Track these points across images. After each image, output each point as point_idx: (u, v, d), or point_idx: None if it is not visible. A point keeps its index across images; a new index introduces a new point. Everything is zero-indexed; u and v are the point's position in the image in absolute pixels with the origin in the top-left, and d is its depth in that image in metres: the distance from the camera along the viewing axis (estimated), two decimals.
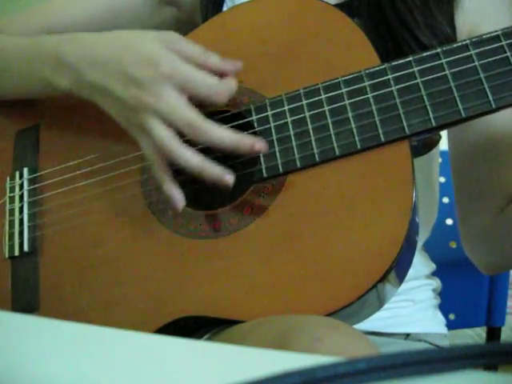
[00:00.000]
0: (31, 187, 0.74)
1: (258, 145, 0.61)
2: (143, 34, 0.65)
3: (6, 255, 0.72)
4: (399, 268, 0.57)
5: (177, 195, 0.62)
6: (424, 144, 0.66)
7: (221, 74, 0.63)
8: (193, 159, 0.60)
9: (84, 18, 0.84)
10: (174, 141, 0.60)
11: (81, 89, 0.67)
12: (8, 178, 0.76)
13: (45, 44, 0.71)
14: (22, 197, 0.74)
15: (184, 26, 0.86)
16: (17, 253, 0.72)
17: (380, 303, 0.60)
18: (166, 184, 0.62)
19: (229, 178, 0.60)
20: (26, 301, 0.70)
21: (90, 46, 0.67)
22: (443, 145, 0.82)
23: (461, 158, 0.79)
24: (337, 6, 0.70)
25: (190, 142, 0.62)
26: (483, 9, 0.75)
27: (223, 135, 0.60)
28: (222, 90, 0.61)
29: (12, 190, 0.75)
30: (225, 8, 0.80)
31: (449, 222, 1.15)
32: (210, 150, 0.64)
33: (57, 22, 0.84)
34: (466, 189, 0.79)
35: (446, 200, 1.12)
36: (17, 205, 0.74)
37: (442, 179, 1.09)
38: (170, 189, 0.62)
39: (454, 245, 1.14)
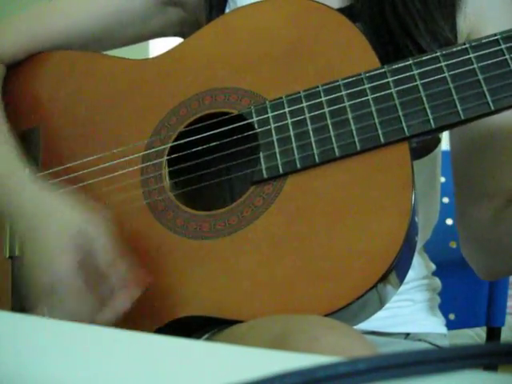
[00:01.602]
0: None
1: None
2: (61, 221, 0.63)
3: (7, 255, 0.73)
4: (399, 268, 0.57)
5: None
6: (424, 146, 0.67)
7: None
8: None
9: (87, 19, 0.84)
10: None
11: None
12: None
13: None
14: None
15: (188, 27, 0.86)
16: (17, 253, 0.72)
17: (381, 304, 0.60)
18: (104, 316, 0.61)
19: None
20: (26, 300, 0.70)
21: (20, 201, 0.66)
22: (443, 145, 0.82)
23: (461, 157, 0.79)
24: (338, 10, 0.70)
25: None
26: (485, 12, 0.75)
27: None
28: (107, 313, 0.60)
29: None
30: (227, 10, 0.80)
31: (449, 222, 1.15)
32: (206, 153, 0.65)
33: (59, 24, 0.84)
34: (466, 189, 0.79)
35: (446, 200, 1.12)
36: None
37: (442, 179, 1.09)
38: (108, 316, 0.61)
39: (454, 245, 1.14)
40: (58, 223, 0.63)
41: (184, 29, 0.87)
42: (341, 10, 0.70)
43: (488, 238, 0.77)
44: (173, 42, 0.87)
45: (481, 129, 0.74)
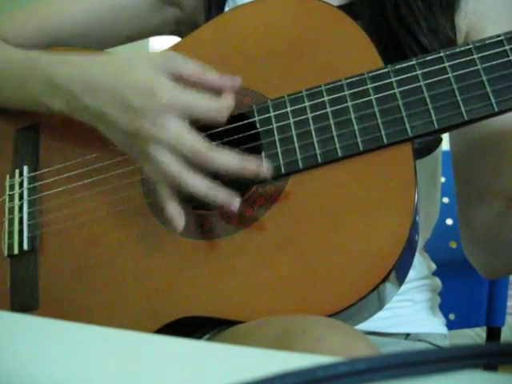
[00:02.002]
0: (31, 185, 0.74)
1: (263, 170, 0.60)
2: (137, 59, 0.64)
3: (5, 253, 0.72)
4: (400, 269, 0.57)
5: (178, 218, 0.62)
6: (425, 146, 0.66)
7: (219, 91, 0.62)
8: (200, 186, 0.60)
9: (84, 17, 0.84)
10: (180, 169, 0.60)
11: (75, 112, 0.67)
12: (8, 176, 0.76)
13: (38, 63, 0.71)
14: (21, 195, 0.74)
15: (185, 26, 0.86)
16: (16, 251, 0.72)
17: (380, 304, 0.60)
18: (169, 206, 0.62)
19: (235, 203, 0.60)
20: (24, 299, 0.70)
21: (83, 69, 0.66)
22: (444, 145, 0.82)
23: (462, 159, 0.79)
24: (338, 7, 0.70)
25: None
26: (485, 11, 0.75)
27: (228, 161, 0.60)
28: (221, 110, 0.61)
29: (12, 188, 0.75)
30: (227, 8, 0.80)
31: (449, 221, 1.15)
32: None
33: (56, 21, 0.84)
34: (467, 189, 0.79)
35: (446, 200, 1.12)
36: (16, 203, 0.74)
37: (442, 179, 1.09)
38: (173, 212, 0.62)
39: (454, 245, 1.14)
40: (138, 58, 0.63)
41: (181, 28, 0.87)
42: (341, 8, 0.70)
43: (490, 237, 0.77)
44: (173, 39, 0.87)
45: (482, 129, 0.74)
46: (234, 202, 0.60)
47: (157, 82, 0.60)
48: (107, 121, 0.63)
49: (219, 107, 0.61)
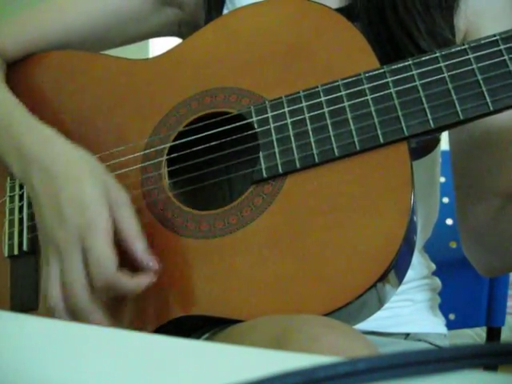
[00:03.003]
0: None
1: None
2: (99, 177, 0.62)
3: (6, 254, 0.73)
4: (398, 268, 0.58)
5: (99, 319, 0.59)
6: (423, 146, 0.67)
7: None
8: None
9: (84, 20, 0.83)
10: (58, 298, 0.59)
11: (23, 183, 0.67)
12: (8, 178, 0.76)
13: (13, 123, 0.69)
14: (22, 196, 0.74)
15: (186, 28, 0.86)
16: (16, 252, 0.72)
17: (380, 303, 0.60)
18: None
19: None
20: (24, 300, 0.70)
21: (51, 155, 0.64)
22: (443, 145, 0.82)
23: (461, 156, 0.79)
24: (336, 10, 0.70)
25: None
26: (484, 11, 0.75)
27: (95, 320, 0.58)
28: (124, 285, 0.59)
29: (12, 189, 0.75)
30: (225, 10, 0.80)
31: (449, 221, 1.15)
32: (206, 152, 0.65)
33: (56, 24, 0.83)
34: (466, 187, 0.79)
35: (446, 200, 1.12)
36: (17, 204, 0.74)
37: (442, 179, 1.09)
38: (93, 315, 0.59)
39: (454, 245, 1.14)
40: (99, 177, 0.62)
41: (182, 29, 0.88)
42: (339, 10, 0.70)
43: (488, 235, 0.77)
44: (173, 41, 0.87)
45: (480, 128, 0.74)
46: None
47: (94, 204, 0.59)
48: (39, 208, 0.63)
49: (118, 279, 0.58)
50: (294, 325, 0.50)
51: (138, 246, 0.60)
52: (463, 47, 0.60)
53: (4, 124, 0.70)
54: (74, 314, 0.59)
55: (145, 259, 0.60)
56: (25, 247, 0.71)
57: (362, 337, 0.49)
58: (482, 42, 0.60)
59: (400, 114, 0.60)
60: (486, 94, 0.58)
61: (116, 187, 0.62)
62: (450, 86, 0.59)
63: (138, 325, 0.62)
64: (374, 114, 0.60)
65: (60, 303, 0.59)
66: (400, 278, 0.60)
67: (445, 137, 0.80)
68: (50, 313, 0.59)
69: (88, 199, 0.60)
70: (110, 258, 0.58)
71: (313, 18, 0.68)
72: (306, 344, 0.46)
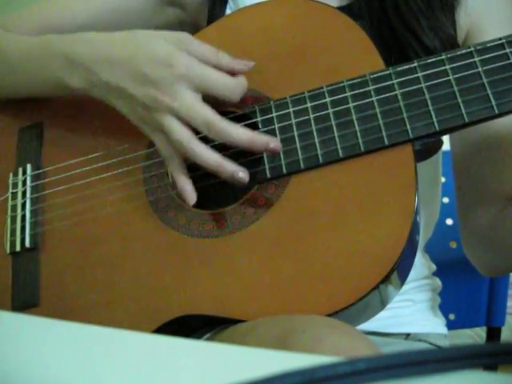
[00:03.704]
0: (34, 184, 0.74)
1: (273, 144, 0.62)
2: (156, 35, 0.65)
3: (8, 251, 0.73)
4: (401, 269, 0.58)
5: (190, 192, 0.63)
6: (426, 148, 0.67)
7: (231, 74, 0.64)
8: (210, 158, 0.61)
9: (85, 17, 0.83)
10: (192, 140, 0.61)
11: (94, 88, 0.67)
12: (11, 174, 0.76)
13: (55, 44, 0.71)
14: (24, 193, 0.74)
15: (187, 27, 0.86)
16: (18, 248, 0.72)
17: (382, 305, 0.60)
18: (181, 181, 0.63)
19: (243, 175, 0.62)
20: (26, 297, 0.70)
21: (103, 46, 0.67)
22: (444, 145, 0.82)
23: (462, 157, 0.79)
24: (337, 8, 0.70)
25: (204, 138, 0.62)
26: (486, 9, 0.75)
27: (239, 133, 0.61)
28: (236, 88, 0.62)
29: (15, 186, 0.75)
30: (228, 10, 0.80)
31: (449, 221, 1.15)
32: (220, 148, 0.65)
33: (57, 21, 0.83)
34: (467, 188, 0.79)
35: (446, 200, 1.12)
36: (19, 201, 0.74)
37: (443, 179, 1.09)
38: (184, 186, 0.63)
39: (454, 245, 1.14)
40: (156, 35, 0.65)
41: (183, 28, 0.87)
42: (340, 9, 0.70)
43: (490, 236, 0.77)
44: None
45: (482, 132, 0.74)
46: (241, 174, 0.62)
47: (174, 55, 0.62)
48: (124, 95, 0.64)
49: (235, 84, 0.62)
50: (298, 325, 0.50)
51: (222, 58, 0.64)
52: (469, 50, 0.60)
53: (44, 49, 0.72)
54: (215, 134, 0.61)
55: (236, 62, 0.64)
56: (27, 244, 0.71)
57: (365, 337, 0.50)
58: (488, 45, 0.60)
59: (405, 116, 0.60)
60: (491, 97, 0.58)
61: (175, 33, 0.65)
62: (455, 88, 0.59)
63: (139, 323, 0.62)
64: (379, 115, 0.60)
65: (193, 138, 0.61)
66: (402, 279, 0.60)
67: (445, 137, 0.80)
68: (189, 151, 0.61)
69: (163, 52, 0.62)
70: (220, 74, 0.62)
71: (317, 18, 0.68)
72: (308, 344, 0.46)
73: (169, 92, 0.61)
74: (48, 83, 0.72)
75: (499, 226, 0.76)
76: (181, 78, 0.61)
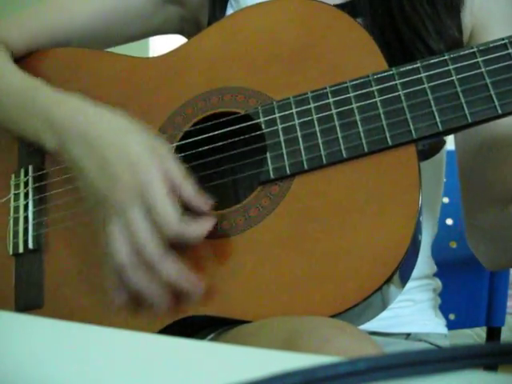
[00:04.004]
0: (36, 185, 0.74)
1: (197, 289, 0.60)
2: (135, 134, 0.63)
3: (11, 252, 0.73)
4: (403, 270, 0.58)
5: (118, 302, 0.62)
6: (430, 148, 0.67)
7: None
8: (140, 284, 0.59)
9: (86, 18, 0.83)
10: (125, 260, 0.59)
11: (63, 156, 0.67)
12: (13, 176, 0.76)
13: (39, 97, 0.70)
14: (27, 194, 0.74)
15: (188, 25, 0.86)
16: (21, 250, 0.72)
17: (383, 305, 0.60)
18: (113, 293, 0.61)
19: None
20: (29, 298, 0.70)
21: (84, 119, 0.65)
22: (448, 145, 0.82)
23: (466, 157, 0.79)
24: (339, 5, 0.70)
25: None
26: (490, 9, 0.76)
27: (174, 268, 0.59)
28: (185, 231, 0.59)
29: (17, 187, 0.75)
30: (229, 7, 0.80)
31: (449, 221, 1.15)
32: (213, 154, 0.65)
33: (58, 23, 0.83)
34: (471, 187, 0.80)
35: (446, 200, 1.12)
36: (22, 202, 0.74)
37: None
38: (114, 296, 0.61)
39: (454, 245, 1.14)
40: (140, 133, 0.62)
41: (184, 26, 0.87)
42: (342, 6, 0.70)
43: (493, 234, 0.78)
44: (174, 39, 0.87)
45: (485, 132, 0.74)
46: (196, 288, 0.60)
47: (144, 161, 0.60)
48: (84, 176, 0.63)
49: (182, 229, 0.59)
50: (305, 326, 0.50)
51: (189, 191, 0.61)
52: (472, 50, 0.60)
53: (28, 100, 0.70)
54: (147, 266, 0.59)
55: (199, 202, 0.61)
56: (30, 245, 0.71)
57: (370, 338, 0.50)
58: (491, 45, 0.60)
59: (408, 116, 0.60)
60: (494, 97, 0.58)
61: (157, 140, 0.63)
62: (458, 89, 0.59)
63: (143, 324, 0.62)
64: (382, 116, 0.61)
65: (131, 257, 0.59)
66: (405, 279, 0.60)
67: (450, 136, 0.80)
68: (120, 271, 0.59)
69: (135, 155, 0.60)
70: (173, 209, 0.59)
71: (320, 18, 0.68)
72: (316, 346, 0.46)
73: (126, 194, 0.59)
74: (25, 133, 0.71)
75: (501, 225, 0.76)
76: (137, 193, 0.59)
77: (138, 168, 0.60)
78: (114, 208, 0.60)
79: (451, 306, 1.07)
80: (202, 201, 0.61)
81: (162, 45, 0.79)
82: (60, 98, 0.69)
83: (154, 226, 0.59)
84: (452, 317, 1.10)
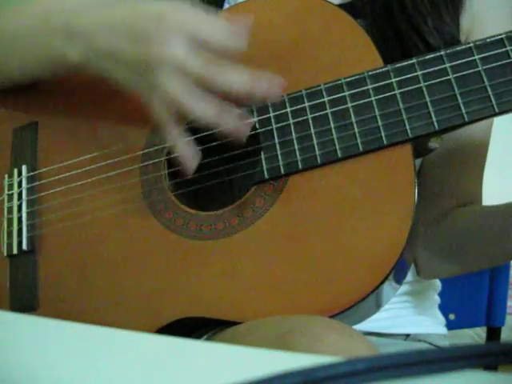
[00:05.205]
0: (30, 185, 0.74)
1: (274, 88, 0.59)
2: None
3: (5, 254, 0.72)
4: (399, 270, 0.57)
5: (191, 158, 0.60)
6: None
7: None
8: (208, 110, 0.58)
9: None
10: (188, 90, 0.58)
11: (91, 61, 0.66)
12: (6, 176, 0.76)
13: (55, 15, 0.70)
14: (20, 195, 0.74)
15: None
16: (15, 251, 0.71)
17: (378, 305, 0.60)
18: (180, 146, 0.60)
19: (246, 126, 0.59)
20: (24, 300, 0.70)
21: (104, 10, 0.65)
22: None
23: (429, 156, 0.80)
24: (339, 5, 0.70)
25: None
26: (487, 11, 0.76)
27: (238, 79, 0.58)
28: (233, 35, 0.58)
29: (10, 187, 0.75)
30: (225, 3, 0.80)
31: None
32: (207, 154, 0.65)
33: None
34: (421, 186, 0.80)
35: None
36: (15, 203, 0.73)
37: None
38: (184, 151, 0.60)
39: None
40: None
41: None
42: (342, 6, 0.70)
43: (429, 236, 0.79)
44: None
45: (454, 137, 0.74)
46: (243, 127, 0.59)
47: (166, 8, 0.60)
48: (117, 59, 0.63)
49: (228, 31, 0.58)
50: (297, 326, 0.50)
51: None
52: (468, 46, 0.60)
53: (42, 20, 0.70)
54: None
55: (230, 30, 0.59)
56: (24, 246, 0.71)
57: (364, 337, 0.50)
58: (488, 41, 0.60)
59: (404, 115, 0.60)
60: (491, 96, 0.58)
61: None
62: (455, 88, 0.59)
63: (138, 325, 0.62)
64: (377, 115, 0.60)
65: (189, 88, 0.58)
66: (400, 279, 0.60)
67: None
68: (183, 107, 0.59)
69: (156, 9, 0.60)
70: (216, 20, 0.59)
71: (315, 15, 0.68)
72: (308, 344, 0.46)
73: (162, 45, 0.59)
74: (44, 58, 0.71)
75: (439, 227, 0.78)
76: (173, 29, 0.58)
77: (162, 17, 0.59)
78: (156, 56, 0.59)
79: (451, 306, 1.07)
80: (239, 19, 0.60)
81: None
82: (79, 9, 0.68)
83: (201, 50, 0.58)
84: (452, 317, 1.10)
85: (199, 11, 0.60)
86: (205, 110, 0.58)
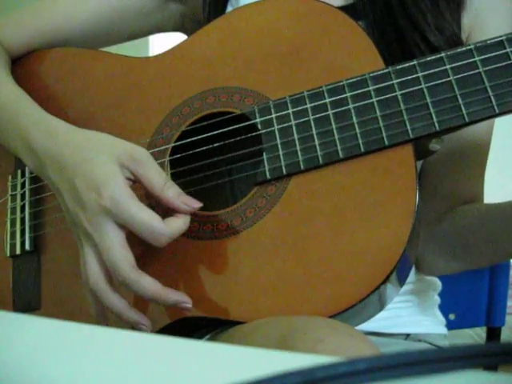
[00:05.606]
0: (33, 186, 0.74)
1: (185, 304, 0.59)
2: (107, 149, 0.61)
3: (8, 254, 0.73)
4: (401, 270, 0.58)
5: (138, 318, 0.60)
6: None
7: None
8: (114, 305, 0.59)
9: (87, 15, 0.83)
10: (98, 279, 0.59)
11: (41, 176, 0.67)
12: (10, 177, 0.76)
13: (20, 116, 0.69)
14: (23, 195, 0.74)
15: (189, 22, 0.86)
16: (18, 251, 0.72)
17: (381, 305, 0.60)
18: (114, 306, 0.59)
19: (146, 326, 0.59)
20: (27, 300, 0.70)
21: (58, 143, 0.64)
22: None
23: (432, 161, 0.80)
24: (341, 8, 0.70)
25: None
26: (488, 11, 0.76)
27: (145, 289, 0.57)
28: (161, 236, 0.57)
29: (14, 188, 0.75)
30: (228, 5, 0.80)
31: None
32: (210, 154, 0.65)
33: (56, 22, 0.83)
34: (423, 186, 0.80)
35: None
36: (18, 203, 0.74)
37: None
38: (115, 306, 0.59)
39: None
40: (107, 149, 0.61)
41: (185, 23, 0.87)
42: (343, 8, 0.70)
43: (431, 234, 0.79)
44: (173, 37, 0.87)
45: (456, 139, 0.75)
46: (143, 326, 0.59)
47: (106, 182, 0.58)
48: (61, 197, 0.63)
49: (160, 232, 0.57)
50: (298, 326, 0.50)
51: (167, 193, 0.59)
52: (469, 47, 0.60)
53: (12, 118, 0.70)
54: (121, 287, 0.58)
55: (181, 199, 0.59)
56: (27, 246, 0.71)
57: (366, 338, 0.50)
58: (488, 42, 0.60)
59: (405, 116, 0.60)
60: (491, 97, 0.58)
61: (126, 150, 0.60)
62: (456, 89, 0.59)
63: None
64: (378, 116, 0.60)
65: (102, 281, 0.59)
66: (403, 279, 0.60)
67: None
68: (94, 295, 0.59)
69: (101, 179, 0.58)
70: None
71: (317, 17, 0.68)
72: (310, 345, 0.46)
73: (93, 222, 0.58)
74: (9, 147, 0.71)
75: (439, 226, 0.79)
76: (105, 211, 0.57)
77: (101, 190, 0.58)
78: (87, 233, 0.59)
79: (451, 305, 1.07)
80: (188, 200, 0.60)
81: (162, 43, 0.79)
82: (38, 118, 0.68)
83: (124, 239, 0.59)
84: (452, 317, 1.10)
85: (150, 178, 0.59)
86: (110, 304, 0.59)
